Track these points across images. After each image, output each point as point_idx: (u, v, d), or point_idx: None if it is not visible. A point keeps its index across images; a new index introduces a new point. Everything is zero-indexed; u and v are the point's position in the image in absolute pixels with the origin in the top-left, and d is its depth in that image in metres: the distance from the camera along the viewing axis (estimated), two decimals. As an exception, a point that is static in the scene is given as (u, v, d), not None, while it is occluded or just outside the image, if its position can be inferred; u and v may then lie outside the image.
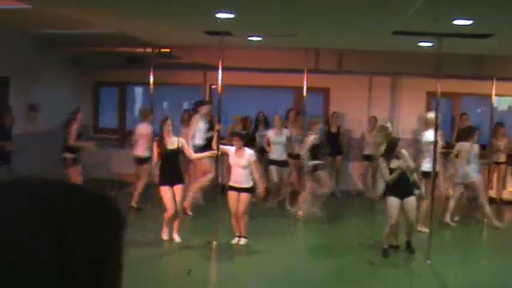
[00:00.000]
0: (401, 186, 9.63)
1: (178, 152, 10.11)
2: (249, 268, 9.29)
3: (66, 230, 1.05)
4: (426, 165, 11.03)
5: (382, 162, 9.72)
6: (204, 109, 12.02)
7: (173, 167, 10.07)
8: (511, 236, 11.78)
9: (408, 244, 9.92)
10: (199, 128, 11.67)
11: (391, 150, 9.67)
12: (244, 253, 9.88)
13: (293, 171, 14.07)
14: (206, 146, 11.58)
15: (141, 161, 12.52)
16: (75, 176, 11.74)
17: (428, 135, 11.01)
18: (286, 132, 13.13)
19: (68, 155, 11.71)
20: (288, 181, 13.47)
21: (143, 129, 12.63)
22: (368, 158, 14.28)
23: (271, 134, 13.07)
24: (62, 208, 1.07)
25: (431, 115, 11.26)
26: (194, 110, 12.10)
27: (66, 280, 1.04)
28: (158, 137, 10.23)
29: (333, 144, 14.30)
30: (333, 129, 14.62)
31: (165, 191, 9.91)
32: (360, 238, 10.94)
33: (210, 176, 11.70)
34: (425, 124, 11.48)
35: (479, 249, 11.04)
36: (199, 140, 11.76)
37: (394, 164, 9.62)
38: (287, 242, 10.77)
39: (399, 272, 9.25)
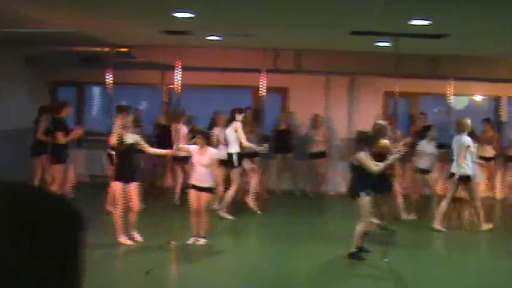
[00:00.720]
0: (376, 183, 9.45)
1: (135, 148, 9.98)
2: (208, 268, 9.25)
3: (37, 230, 1.05)
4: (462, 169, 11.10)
5: (364, 156, 9.05)
6: (241, 117, 11.71)
7: (128, 163, 9.89)
8: (470, 235, 11.95)
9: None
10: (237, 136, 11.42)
11: (371, 143, 9.36)
12: (203, 253, 9.83)
13: (250, 172, 14.06)
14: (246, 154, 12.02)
15: (179, 159, 12.40)
16: None
17: (464, 139, 11.04)
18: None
19: (112, 152, 11.88)
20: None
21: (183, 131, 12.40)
22: (313, 156, 14.40)
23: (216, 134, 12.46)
24: (31, 209, 1.08)
25: (466, 120, 11.25)
26: (232, 117, 11.75)
27: (36, 279, 1.04)
28: (115, 132, 10.05)
29: (283, 143, 14.36)
30: (283, 127, 14.65)
31: (116, 187, 9.77)
32: (320, 238, 11.00)
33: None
34: (458, 128, 11.36)
35: (439, 248, 11.19)
36: (236, 148, 11.65)
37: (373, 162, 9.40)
38: (249, 241, 10.78)
39: (357, 270, 9.31)
